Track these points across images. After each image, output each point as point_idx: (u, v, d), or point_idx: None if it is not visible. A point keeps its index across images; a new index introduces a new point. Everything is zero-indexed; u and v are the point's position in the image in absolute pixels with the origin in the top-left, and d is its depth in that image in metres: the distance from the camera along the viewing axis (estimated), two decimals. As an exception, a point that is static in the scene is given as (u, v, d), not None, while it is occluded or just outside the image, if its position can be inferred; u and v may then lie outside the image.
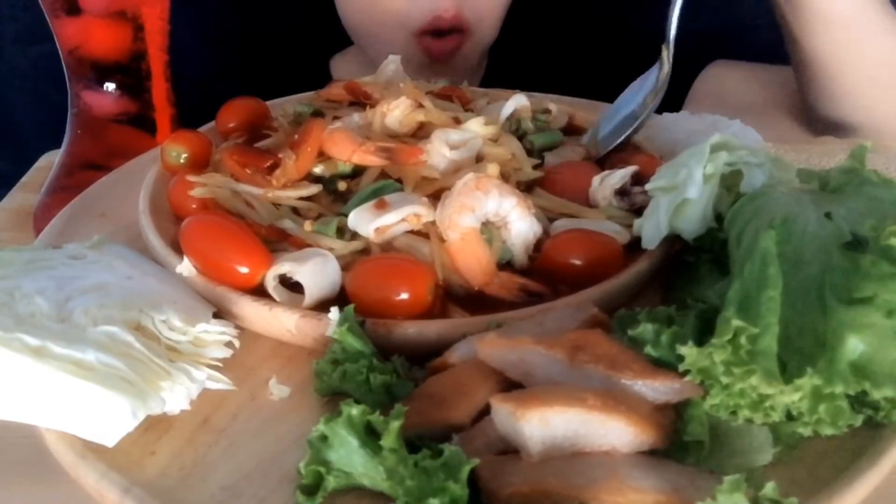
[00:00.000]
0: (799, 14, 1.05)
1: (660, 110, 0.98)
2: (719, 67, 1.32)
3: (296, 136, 0.82)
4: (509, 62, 1.45)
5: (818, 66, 1.09)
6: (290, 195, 0.78)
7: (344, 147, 0.80)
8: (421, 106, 0.87)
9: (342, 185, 0.80)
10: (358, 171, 0.81)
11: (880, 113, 1.10)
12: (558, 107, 0.97)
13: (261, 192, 0.79)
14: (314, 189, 0.79)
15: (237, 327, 0.69)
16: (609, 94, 1.05)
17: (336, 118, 0.89)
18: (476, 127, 0.84)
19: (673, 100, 1.29)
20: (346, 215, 0.75)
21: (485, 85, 1.43)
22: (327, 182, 0.80)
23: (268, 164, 0.80)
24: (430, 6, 1.26)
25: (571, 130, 0.96)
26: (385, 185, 0.78)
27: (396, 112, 0.85)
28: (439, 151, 0.79)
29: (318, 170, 0.80)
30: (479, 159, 0.82)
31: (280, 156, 0.80)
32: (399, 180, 0.79)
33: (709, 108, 0.97)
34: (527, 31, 1.47)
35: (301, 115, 0.92)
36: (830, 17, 1.03)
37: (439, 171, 0.79)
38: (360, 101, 0.92)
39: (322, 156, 0.81)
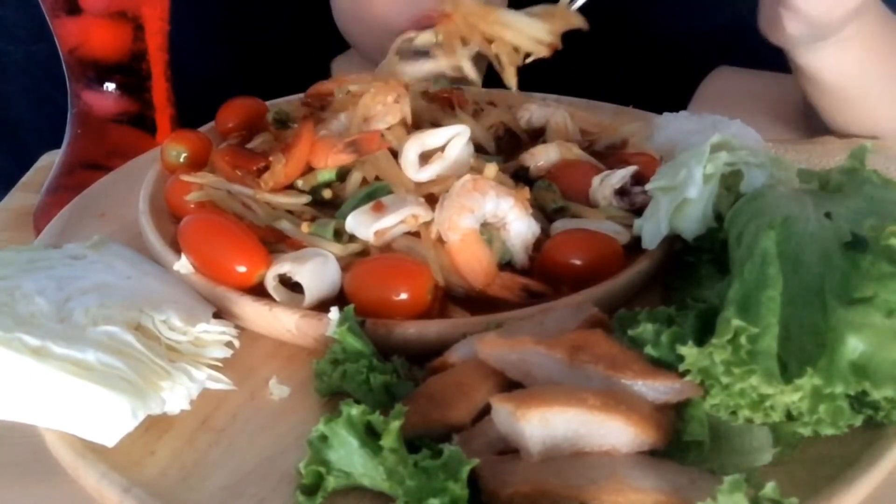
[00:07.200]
0: (802, 79, 1.05)
1: (660, 110, 0.98)
2: (722, 74, 1.31)
3: (289, 140, 0.82)
4: None
5: (824, 110, 1.10)
6: (281, 201, 0.78)
7: (321, 155, 0.80)
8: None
9: (327, 194, 0.79)
10: (342, 176, 0.80)
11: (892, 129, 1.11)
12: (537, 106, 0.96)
13: (251, 194, 0.78)
14: (304, 198, 0.78)
15: (237, 327, 0.69)
16: (611, 94, 1.05)
17: (321, 120, 0.88)
18: None
19: (676, 101, 1.29)
20: (342, 217, 0.75)
21: (486, 83, 1.42)
22: (312, 192, 0.80)
23: (258, 166, 0.80)
24: (418, 8, 1.25)
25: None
26: (378, 187, 0.78)
27: (389, 117, 0.84)
28: (412, 161, 0.78)
29: (300, 183, 0.79)
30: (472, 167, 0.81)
31: (270, 159, 0.80)
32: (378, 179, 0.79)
33: (710, 113, 0.97)
34: None
35: (277, 119, 0.91)
36: (829, 82, 1.04)
37: (418, 179, 0.78)
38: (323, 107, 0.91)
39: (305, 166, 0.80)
